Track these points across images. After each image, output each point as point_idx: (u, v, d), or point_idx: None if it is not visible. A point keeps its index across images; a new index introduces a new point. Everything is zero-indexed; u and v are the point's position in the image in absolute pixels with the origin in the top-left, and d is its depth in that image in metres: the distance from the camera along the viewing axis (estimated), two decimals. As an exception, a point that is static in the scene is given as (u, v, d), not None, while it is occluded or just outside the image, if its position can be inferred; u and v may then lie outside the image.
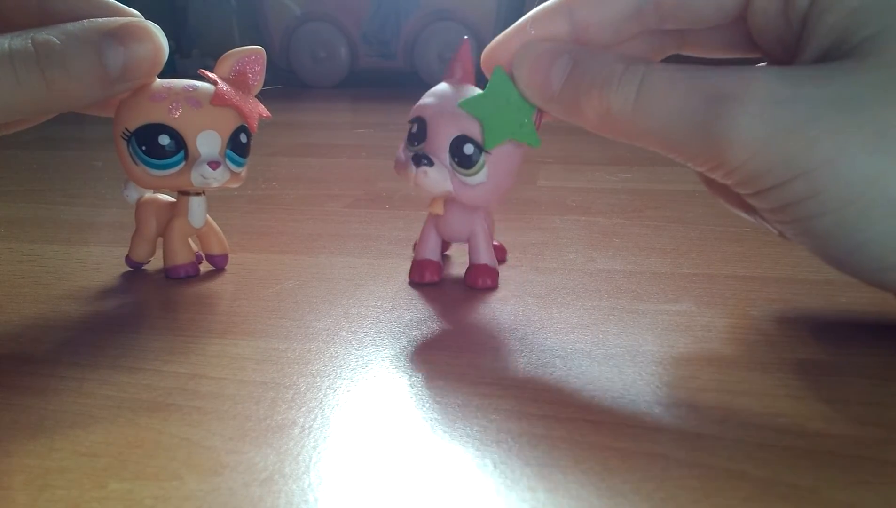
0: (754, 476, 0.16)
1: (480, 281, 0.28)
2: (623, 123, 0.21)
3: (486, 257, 0.28)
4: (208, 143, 0.26)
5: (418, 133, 0.25)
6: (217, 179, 0.26)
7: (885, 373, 0.21)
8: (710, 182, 0.26)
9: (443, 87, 0.26)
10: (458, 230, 0.28)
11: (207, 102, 0.26)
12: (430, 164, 0.24)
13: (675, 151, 0.21)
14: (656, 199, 0.43)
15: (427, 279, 0.28)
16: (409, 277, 0.29)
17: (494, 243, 0.30)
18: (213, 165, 0.26)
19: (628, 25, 0.23)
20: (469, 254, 0.28)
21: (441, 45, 1.21)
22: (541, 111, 0.24)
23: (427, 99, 0.26)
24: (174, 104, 0.25)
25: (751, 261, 0.30)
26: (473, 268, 0.28)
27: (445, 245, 0.31)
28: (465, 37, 0.26)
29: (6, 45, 0.21)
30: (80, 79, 0.21)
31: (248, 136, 0.27)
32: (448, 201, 0.27)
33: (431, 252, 0.28)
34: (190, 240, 0.30)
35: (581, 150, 0.58)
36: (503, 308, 0.26)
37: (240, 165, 0.27)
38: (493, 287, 0.28)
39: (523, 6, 1.21)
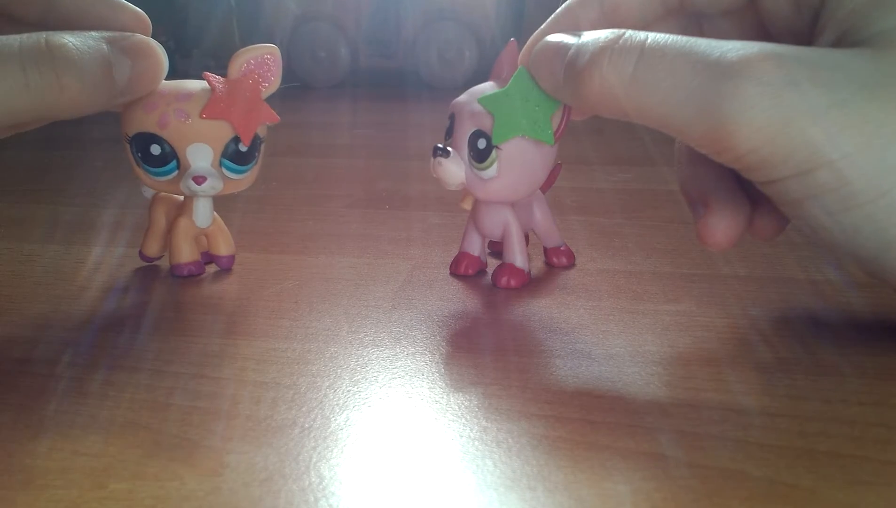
0: (754, 476, 0.16)
1: (503, 281, 0.28)
2: (618, 99, 0.20)
3: (513, 257, 0.28)
4: (199, 155, 0.26)
5: (449, 128, 0.27)
6: (206, 190, 0.26)
7: (885, 373, 0.21)
8: (684, 184, 0.25)
9: (481, 85, 0.26)
10: (491, 227, 0.28)
11: (197, 114, 0.25)
12: (446, 155, 0.25)
13: (676, 132, 0.20)
14: (656, 199, 0.42)
15: (461, 271, 0.29)
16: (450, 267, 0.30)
17: (561, 247, 0.31)
18: (198, 179, 0.26)
19: (653, 6, 0.23)
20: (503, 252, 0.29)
21: (441, 45, 1.21)
22: (566, 112, 0.25)
23: (461, 96, 0.27)
24: (163, 117, 0.25)
25: (751, 261, 0.30)
26: (499, 267, 0.28)
27: (497, 244, 0.31)
28: (512, 39, 0.26)
29: (16, 44, 0.20)
30: (92, 87, 0.21)
31: (256, 141, 0.27)
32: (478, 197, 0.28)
33: (469, 246, 0.30)
34: (202, 238, 0.30)
35: (581, 150, 0.58)
36: (503, 309, 0.26)
37: (240, 172, 0.27)
38: (516, 288, 0.28)
39: (523, 6, 1.21)
